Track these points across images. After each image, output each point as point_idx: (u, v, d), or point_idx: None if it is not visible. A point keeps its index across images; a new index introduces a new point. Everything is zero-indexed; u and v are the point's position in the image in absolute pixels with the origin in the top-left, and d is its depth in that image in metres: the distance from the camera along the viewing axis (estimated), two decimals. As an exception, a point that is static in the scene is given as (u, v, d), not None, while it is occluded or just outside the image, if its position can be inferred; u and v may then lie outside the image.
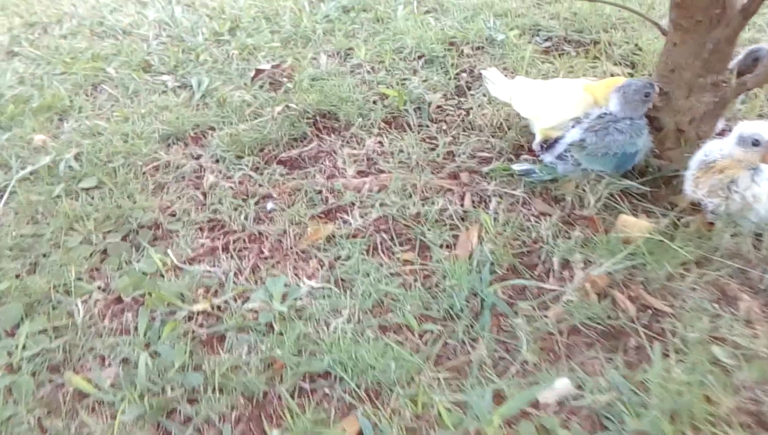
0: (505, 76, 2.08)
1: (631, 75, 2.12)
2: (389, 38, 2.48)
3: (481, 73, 1.95)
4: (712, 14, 1.44)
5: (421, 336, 1.24)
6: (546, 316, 1.24)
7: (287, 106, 1.98)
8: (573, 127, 1.61)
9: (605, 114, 1.57)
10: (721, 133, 1.81)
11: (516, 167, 1.62)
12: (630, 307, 1.25)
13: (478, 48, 2.41)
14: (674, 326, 1.19)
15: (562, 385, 1.08)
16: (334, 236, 1.49)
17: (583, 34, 2.43)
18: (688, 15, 1.46)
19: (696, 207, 1.48)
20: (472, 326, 1.24)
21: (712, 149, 1.43)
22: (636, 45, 2.29)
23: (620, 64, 2.19)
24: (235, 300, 1.35)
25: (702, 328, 1.16)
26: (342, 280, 1.37)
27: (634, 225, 1.38)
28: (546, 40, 2.44)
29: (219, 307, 1.34)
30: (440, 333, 1.23)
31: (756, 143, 1.33)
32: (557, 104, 1.69)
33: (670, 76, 1.56)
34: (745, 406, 1.04)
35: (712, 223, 1.40)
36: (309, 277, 1.38)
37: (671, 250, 1.32)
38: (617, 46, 2.31)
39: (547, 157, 1.63)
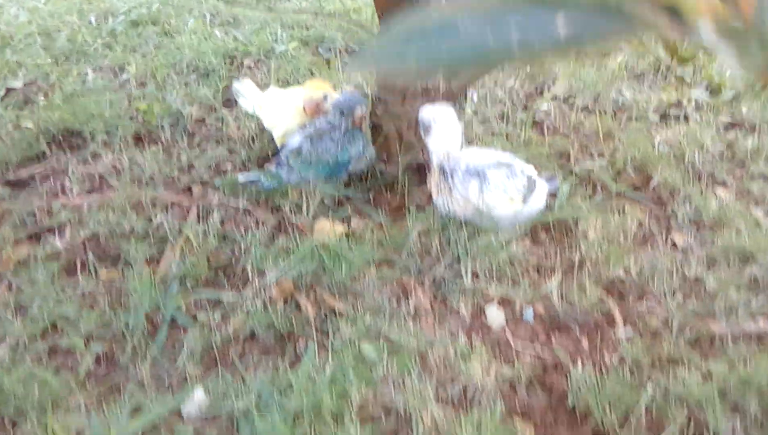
0: (275, 87, 2.08)
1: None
2: (169, 52, 2.43)
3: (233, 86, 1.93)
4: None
5: (87, 357, 1.19)
6: (226, 326, 1.23)
7: (19, 126, 1.87)
8: (298, 134, 1.62)
9: (330, 122, 1.60)
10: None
11: (241, 178, 1.61)
12: (311, 310, 1.26)
13: (258, 60, 2.40)
14: (341, 326, 1.20)
15: (198, 395, 1.07)
16: (30, 259, 1.41)
17: (364, 46, 2.48)
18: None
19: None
20: (147, 343, 1.21)
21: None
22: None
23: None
24: None
25: (361, 327, 1.18)
26: (21, 306, 1.29)
27: (329, 230, 1.40)
28: (328, 50, 2.48)
29: None
30: (107, 353, 1.19)
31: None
32: (286, 112, 1.70)
33: (384, 82, 1.60)
34: (381, 398, 1.07)
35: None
36: (-14, 306, 1.30)
37: (360, 252, 1.34)
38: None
39: (273, 166, 1.63)
